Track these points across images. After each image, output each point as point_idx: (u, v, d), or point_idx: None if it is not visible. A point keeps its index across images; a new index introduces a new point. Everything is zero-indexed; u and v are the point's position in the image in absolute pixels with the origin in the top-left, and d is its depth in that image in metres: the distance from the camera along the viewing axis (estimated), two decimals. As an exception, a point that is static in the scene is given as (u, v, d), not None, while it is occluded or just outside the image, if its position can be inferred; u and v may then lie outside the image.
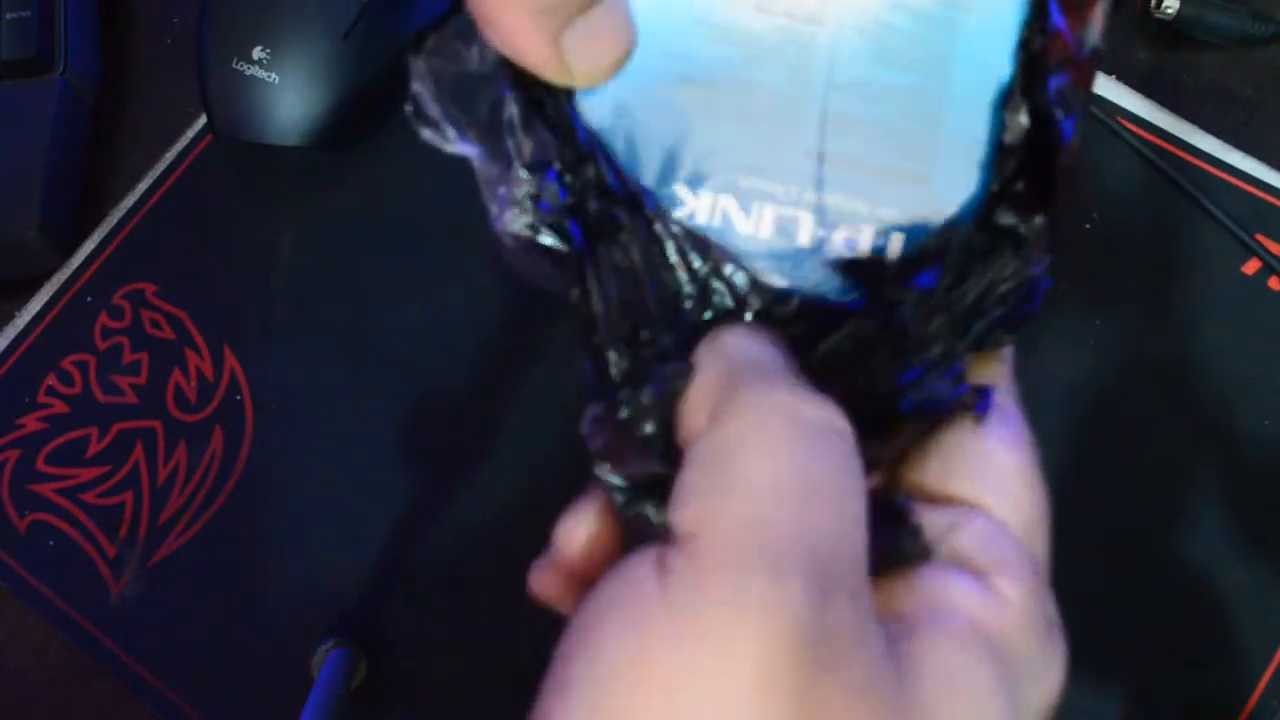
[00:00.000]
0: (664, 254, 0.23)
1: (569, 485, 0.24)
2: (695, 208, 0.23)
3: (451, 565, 0.42)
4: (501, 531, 0.42)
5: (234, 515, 0.43)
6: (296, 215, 0.47)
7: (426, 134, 0.23)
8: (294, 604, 0.42)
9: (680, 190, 0.23)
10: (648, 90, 0.23)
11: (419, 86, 0.23)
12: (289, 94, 0.46)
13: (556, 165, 0.23)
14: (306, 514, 0.43)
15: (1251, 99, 0.47)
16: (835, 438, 0.20)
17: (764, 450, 0.19)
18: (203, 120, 0.48)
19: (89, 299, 0.46)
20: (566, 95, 0.23)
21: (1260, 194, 0.45)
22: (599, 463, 0.22)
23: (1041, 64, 0.23)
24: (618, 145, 0.23)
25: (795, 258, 0.23)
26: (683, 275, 0.23)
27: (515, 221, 0.23)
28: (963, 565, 0.22)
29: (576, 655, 0.19)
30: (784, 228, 0.23)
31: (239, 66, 0.46)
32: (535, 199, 0.23)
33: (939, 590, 0.21)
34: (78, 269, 0.47)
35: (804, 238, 0.23)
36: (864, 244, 0.23)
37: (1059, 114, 0.23)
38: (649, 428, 0.21)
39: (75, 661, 0.42)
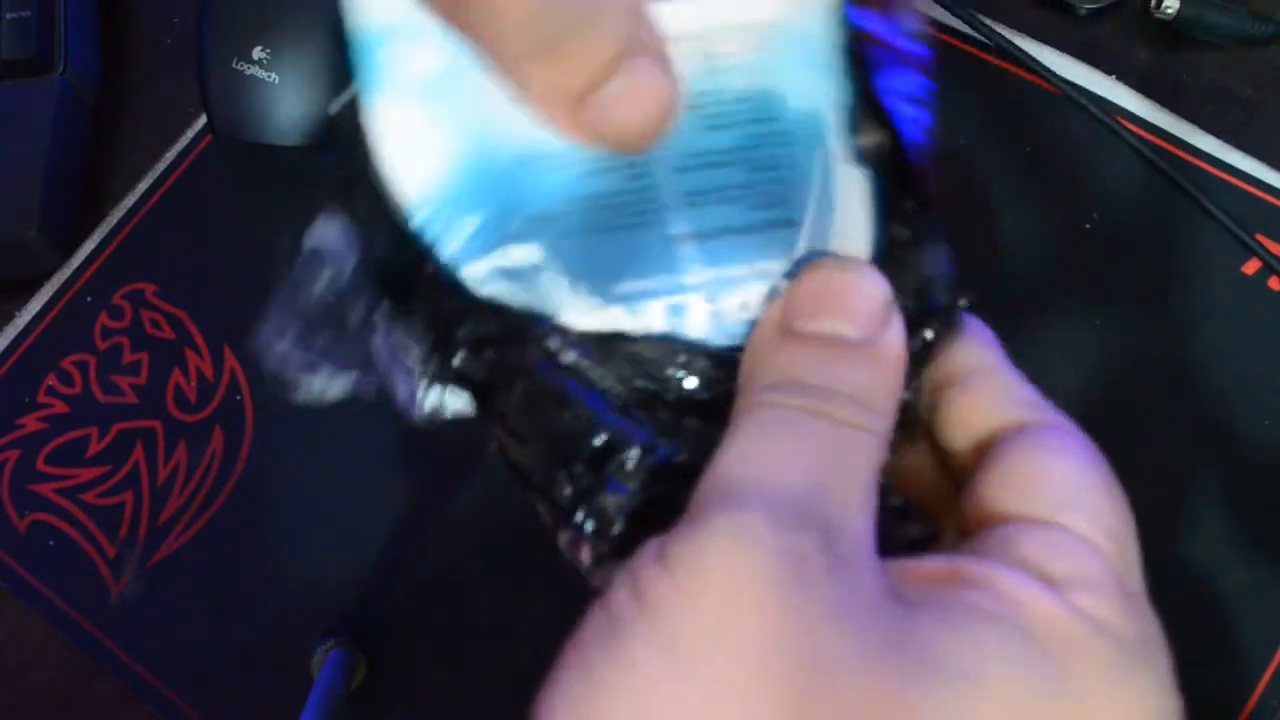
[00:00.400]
0: (576, 370, 0.23)
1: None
2: (585, 326, 0.23)
3: (452, 565, 0.42)
4: (501, 531, 0.42)
5: (234, 515, 0.43)
6: (296, 215, 0.47)
7: (300, 397, 0.23)
8: (294, 604, 0.42)
9: (565, 317, 0.23)
10: (502, 240, 0.23)
11: (272, 366, 0.23)
12: (289, 94, 0.46)
13: (431, 342, 0.23)
14: (306, 514, 0.43)
15: (1251, 99, 0.47)
16: (824, 412, 0.21)
17: (752, 422, 0.21)
18: (203, 120, 0.48)
19: (89, 299, 0.46)
20: (432, 270, 0.23)
21: (1260, 194, 0.45)
22: (592, 573, 0.23)
23: (863, 69, 0.23)
24: (488, 300, 0.23)
25: (715, 333, 0.23)
26: (602, 376, 0.23)
27: (422, 409, 0.24)
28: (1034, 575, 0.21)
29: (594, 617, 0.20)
30: (675, 314, 0.23)
31: (239, 66, 0.46)
32: (429, 381, 0.23)
33: (1000, 583, 0.20)
34: (78, 269, 0.47)
35: (697, 317, 0.23)
36: (756, 303, 0.23)
37: (897, 109, 0.23)
38: (617, 529, 0.22)
39: (75, 661, 0.42)
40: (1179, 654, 0.39)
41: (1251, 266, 0.44)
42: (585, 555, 0.22)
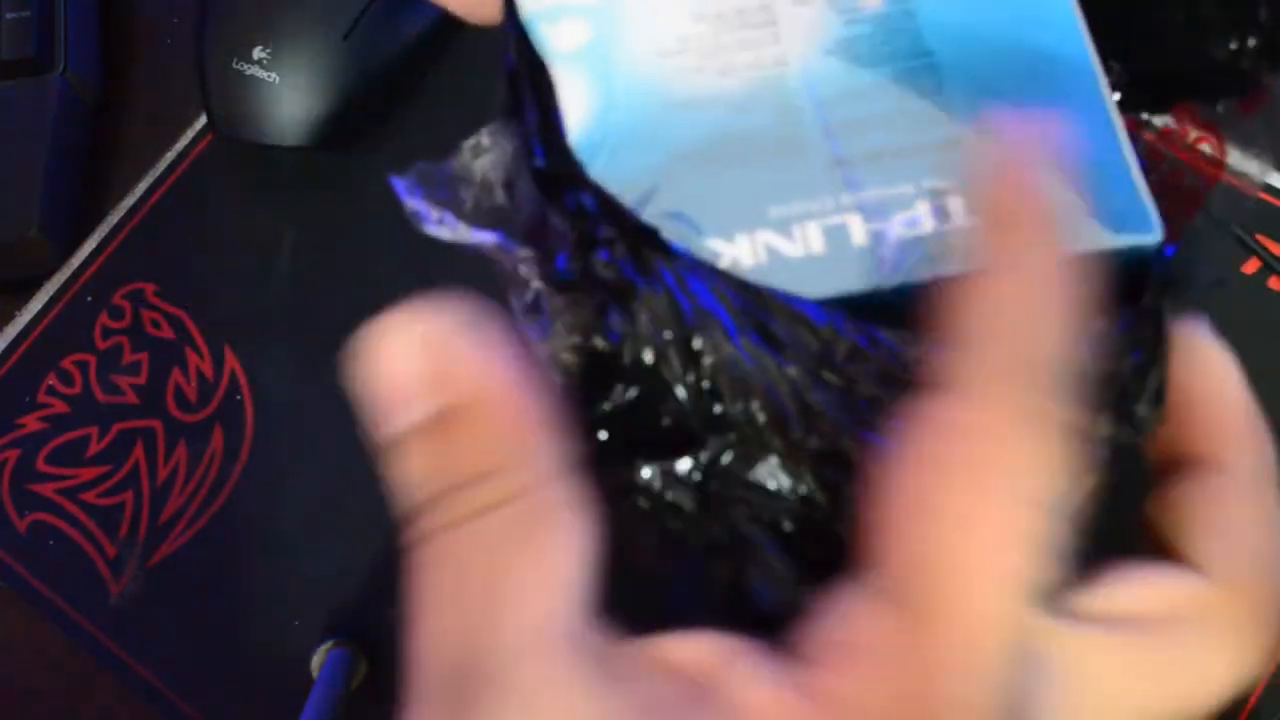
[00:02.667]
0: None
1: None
2: (736, 254, 0.22)
3: (451, 565, 0.42)
4: (501, 531, 0.42)
5: (234, 515, 0.43)
6: (296, 215, 0.47)
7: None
8: (294, 604, 0.42)
9: (714, 244, 0.22)
10: (652, 176, 0.23)
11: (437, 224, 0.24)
12: (289, 94, 0.46)
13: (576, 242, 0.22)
14: (306, 514, 0.43)
15: (1251, 99, 0.47)
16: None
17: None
18: (203, 120, 0.48)
19: (89, 299, 0.46)
20: (588, 189, 0.22)
21: (1260, 194, 0.45)
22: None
23: None
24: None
25: (862, 262, 0.22)
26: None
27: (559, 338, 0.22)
28: None
29: None
30: (834, 236, 0.22)
31: (239, 66, 0.46)
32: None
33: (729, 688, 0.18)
34: (78, 269, 0.47)
35: (858, 238, 0.22)
36: (925, 217, 0.22)
37: None
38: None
39: (75, 661, 0.42)
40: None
41: (1251, 266, 0.44)
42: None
